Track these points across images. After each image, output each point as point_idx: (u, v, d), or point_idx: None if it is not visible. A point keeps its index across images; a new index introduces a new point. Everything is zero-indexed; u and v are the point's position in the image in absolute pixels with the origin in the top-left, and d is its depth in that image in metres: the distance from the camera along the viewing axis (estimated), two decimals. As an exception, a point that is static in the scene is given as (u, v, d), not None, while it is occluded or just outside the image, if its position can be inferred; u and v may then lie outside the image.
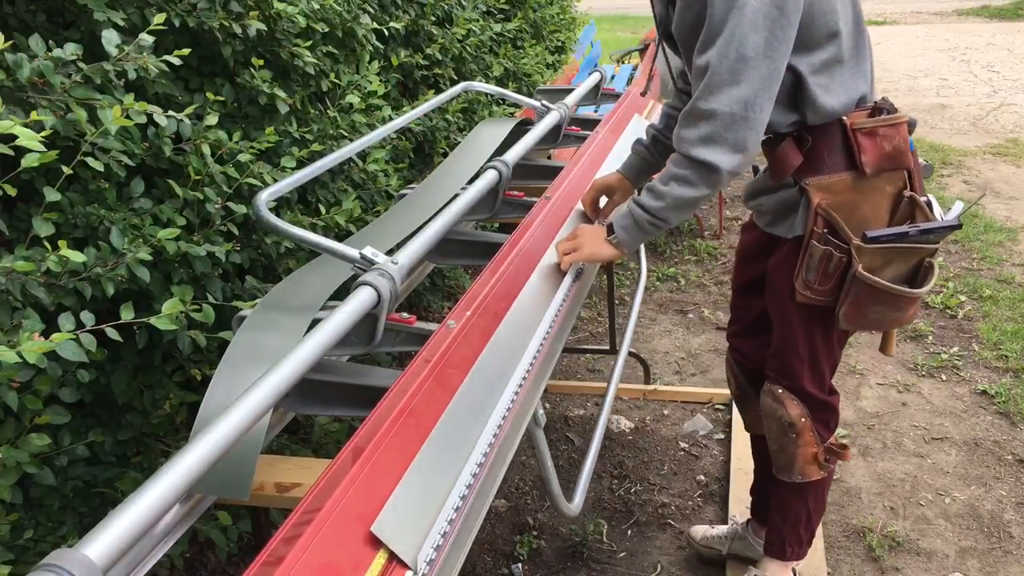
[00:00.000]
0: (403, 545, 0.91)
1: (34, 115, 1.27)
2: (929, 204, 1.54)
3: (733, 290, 1.96)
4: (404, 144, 2.72)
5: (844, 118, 1.49)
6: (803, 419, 1.70)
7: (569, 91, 2.73)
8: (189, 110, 1.58)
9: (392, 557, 0.91)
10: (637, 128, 2.43)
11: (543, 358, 1.41)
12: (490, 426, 1.16)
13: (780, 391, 1.71)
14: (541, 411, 1.36)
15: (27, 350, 1.13)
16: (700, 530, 2.20)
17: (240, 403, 0.99)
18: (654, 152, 1.84)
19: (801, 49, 1.43)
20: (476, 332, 1.31)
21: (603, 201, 1.87)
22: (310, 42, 2.04)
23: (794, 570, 1.93)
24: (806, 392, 1.70)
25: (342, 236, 2.00)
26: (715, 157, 1.40)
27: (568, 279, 1.62)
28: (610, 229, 1.57)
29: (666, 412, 2.91)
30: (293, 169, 1.87)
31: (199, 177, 1.68)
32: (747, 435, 2.60)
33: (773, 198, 1.61)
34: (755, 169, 1.77)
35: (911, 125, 1.55)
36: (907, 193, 1.53)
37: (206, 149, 1.69)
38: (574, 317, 1.64)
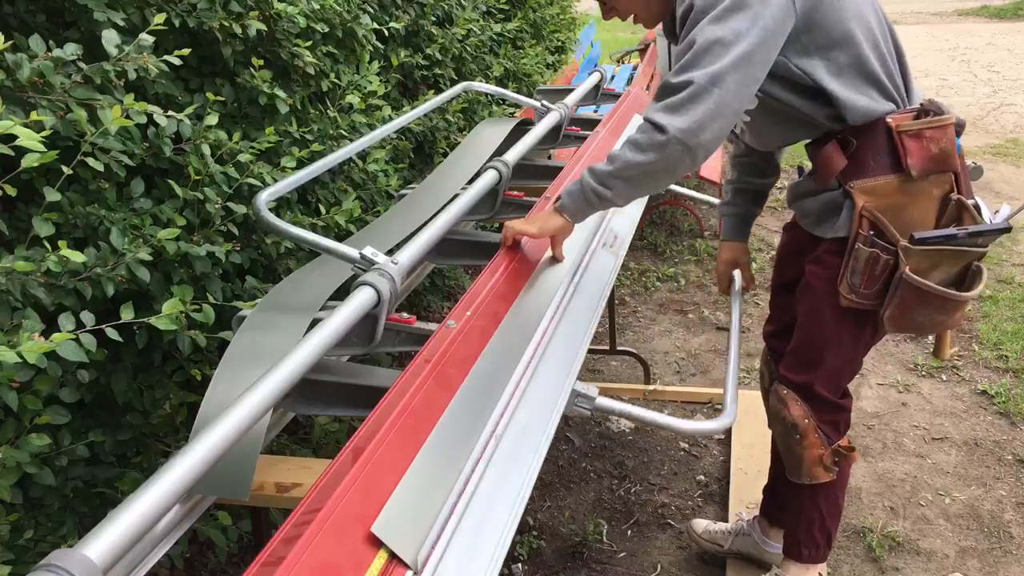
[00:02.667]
0: (403, 545, 0.91)
1: (34, 115, 1.27)
2: (977, 207, 1.51)
3: (772, 290, 1.96)
4: (404, 144, 2.71)
5: (888, 120, 1.48)
6: (806, 420, 1.69)
7: (569, 91, 2.73)
8: (189, 110, 1.58)
9: (392, 557, 0.91)
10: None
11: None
12: (490, 426, 1.16)
13: (784, 392, 1.71)
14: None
15: (27, 350, 1.13)
16: (702, 524, 2.20)
17: (240, 403, 0.99)
18: (741, 202, 1.95)
19: (813, 52, 1.43)
20: (476, 332, 1.31)
21: (736, 277, 2.00)
22: (310, 42, 2.04)
23: (820, 573, 1.91)
24: (814, 393, 1.69)
25: (342, 236, 2.00)
26: (665, 120, 1.36)
27: (567, 279, 1.62)
28: (557, 199, 1.55)
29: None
30: (293, 169, 1.87)
31: (199, 177, 1.68)
32: (748, 435, 2.61)
33: (817, 200, 1.60)
34: (799, 170, 1.77)
35: (959, 127, 1.54)
36: (954, 196, 1.50)
37: (206, 149, 1.68)
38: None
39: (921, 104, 1.52)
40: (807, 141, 1.60)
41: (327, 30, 2.13)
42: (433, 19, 2.99)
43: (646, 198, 2.13)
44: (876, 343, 1.72)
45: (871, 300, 1.55)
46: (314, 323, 1.35)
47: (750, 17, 1.35)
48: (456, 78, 3.15)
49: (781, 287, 1.89)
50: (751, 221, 1.99)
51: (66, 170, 1.35)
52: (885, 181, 1.49)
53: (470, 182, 1.96)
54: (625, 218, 1.99)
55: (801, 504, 1.83)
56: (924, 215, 1.51)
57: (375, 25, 2.42)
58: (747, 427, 2.62)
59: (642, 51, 4.89)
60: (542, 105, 2.45)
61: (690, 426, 1.42)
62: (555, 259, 1.62)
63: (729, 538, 2.12)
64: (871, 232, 1.50)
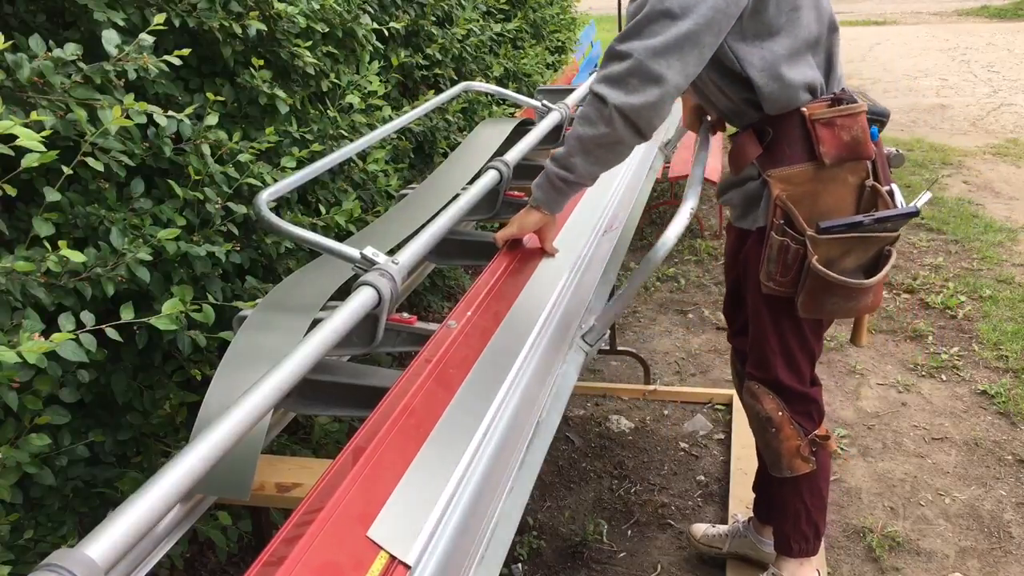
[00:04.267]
0: (402, 546, 0.91)
1: (34, 115, 1.27)
2: (891, 193, 1.54)
3: (725, 293, 1.97)
4: (404, 144, 2.71)
5: (803, 109, 1.49)
6: (780, 412, 1.70)
7: (569, 91, 2.72)
8: (189, 110, 1.58)
9: (394, 557, 0.90)
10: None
11: (543, 358, 1.40)
12: (486, 423, 1.16)
13: (756, 387, 1.73)
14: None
15: (27, 350, 1.13)
16: (700, 528, 2.20)
17: (240, 403, 0.99)
18: None
19: (751, 38, 1.43)
20: (477, 332, 1.31)
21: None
22: (310, 42, 2.04)
23: (819, 570, 1.92)
24: (782, 384, 1.70)
25: (342, 236, 2.00)
26: (606, 91, 1.36)
27: (564, 279, 1.61)
28: (529, 193, 1.56)
29: (666, 412, 2.91)
30: (293, 169, 1.87)
31: (199, 177, 1.68)
32: (747, 435, 2.61)
33: (740, 191, 1.62)
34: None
35: (882, 116, 1.56)
36: (869, 183, 1.53)
37: (206, 149, 1.68)
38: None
39: (835, 93, 1.53)
40: (734, 131, 1.62)
41: (327, 30, 2.13)
42: (433, 19, 2.99)
43: (647, 195, 2.12)
44: (827, 327, 1.74)
45: (788, 288, 1.57)
46: (314, 323, 1.35)
47: None
48: (456, 78, 3.15)
49: (731, 289, 1.91)
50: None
51: (66, 170, 1.35)
52: (800, 169, 1.51)
53: (471, 182, 1.96)
54: (625, 206, 1.99)
55: (786, 499, 1.85)
56: (840, 203, 1.52)
57: (375, 25, 2.42)
58: (747, 427, 2.61)
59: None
60: (543, 105, 2.44)
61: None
62: (549, 254, 1.62)
63: (727, 540, 2.13)
64: (782, 221, 1.52)
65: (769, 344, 1.68)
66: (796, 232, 1.51)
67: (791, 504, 1.84)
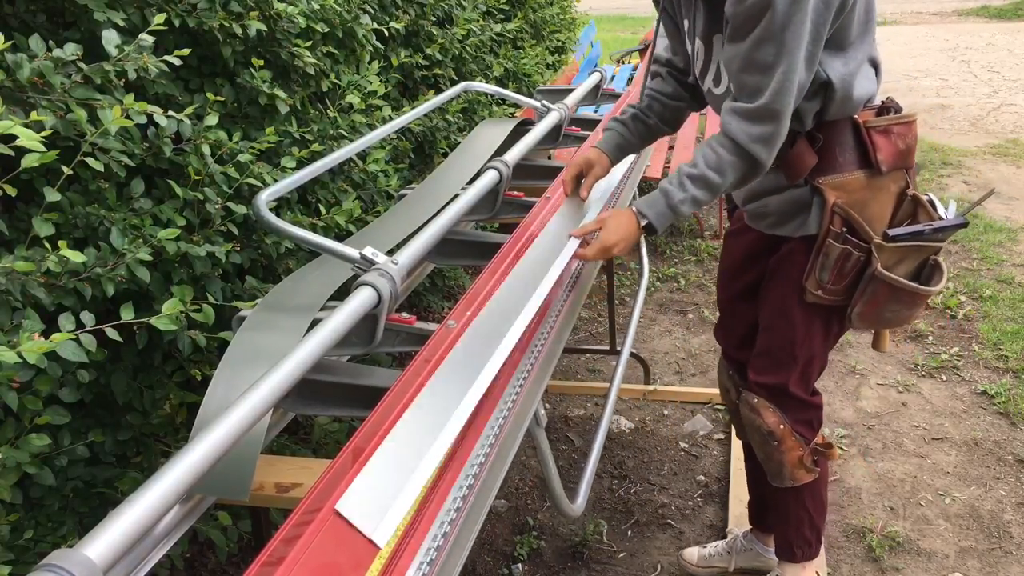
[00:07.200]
0: (369, 523, 0.90)
1: (34, 115, 1.27)
2: (932, 202, 1.54)
3: (723, 303, 1.91)
4: (404, 144, 2.71)
5: (856, 116, 1.48)
6: (781, 425, 1.69)
7: (569, 91, 2.73)
8: (189, 110, 1.58)
9: (393, 557, 0.91)
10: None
11: (543, 358, 1.40)
12: (490, 425, 1.16)
13: (755, 400, 1.70)
14: (542, 411, 1.35)
15: (27, 350, 1.13)
16: (694, 553, 2.14)
17: (240, 403, 0.99)
18: (633, 131, 1.77)
19: (835, 47, 1.41)
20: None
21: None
22: (310, 42, 2.04)
23: (817, 572, 1.91)
24: (789, 393, 1.69)
25: (342, 236, 2.00)
26: (764, 157, 1.41)
27: (552, 275, 1.60)
28: (642, 216, 1.49)
29: (666, 412, 2.91)
30: (293, 169, 1.86)
31: (199, 177, 1.68)
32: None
33: (781, 198, 1.58)
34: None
35: None
36: (910, 192, 1.53)
37: (206, 149, 1.68)
38: (574, 317, 1.64)
39: (883, 101, 1.53)
40: None
41: (327, 30, 2.13)
42: (433, 19, 2.99)
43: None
44: (839, 338, 1.74)
45: (838, 296, 1.56)
46: (314, 323, 1.35)
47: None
48: (456, 78, 3.15)
49: (733, 298, 1.85)
50: (629, 151, 1.81)
51: (66, 170, 1.35)
52: (853, 177, 1.50)
53: (470, 182, 1.96)
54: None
55: (788, 507, 1.83)
56: (883, 211, 1.52)
57: (375, 25, 2.42)
58: (747, 427, 2.61)
59: (642, 51, 4.89)
60: (542, 105, 2.44)
61: None
62: (573, 253, 1.57)
63: (730, 558, 2.10)
64: (843, 229, 1.51)
65: (794, 353, 1.65)
66: (860, 240, 1.50)
67: (793, 511, 1.83)
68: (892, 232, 1.49)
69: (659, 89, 1.76)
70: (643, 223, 1.49)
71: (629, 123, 1.78)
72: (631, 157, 1.97)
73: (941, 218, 1.54)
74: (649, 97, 1.77)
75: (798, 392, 1.69)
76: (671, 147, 4.42)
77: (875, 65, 1.50)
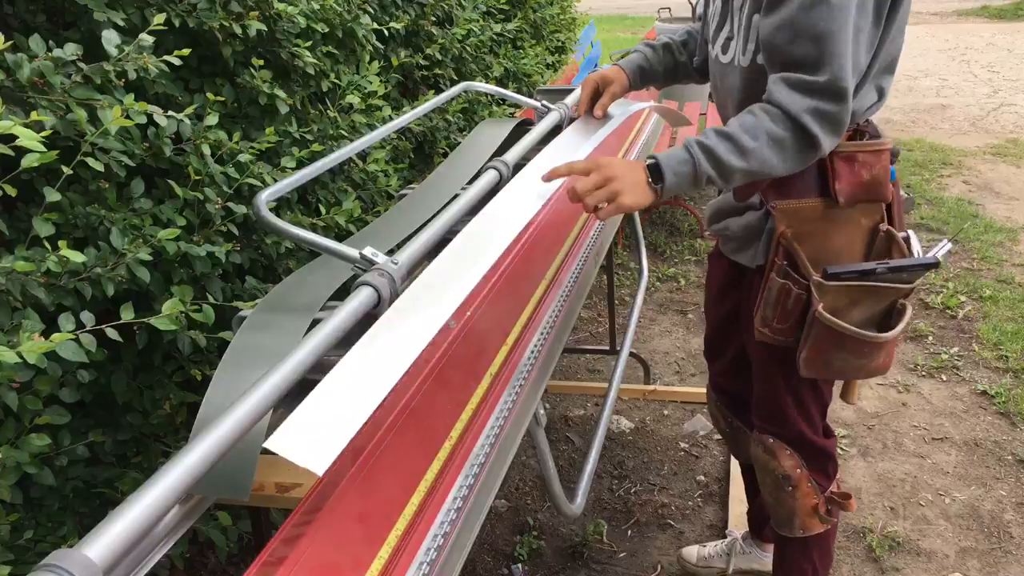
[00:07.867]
0: (307, 456, 0.88)
1: (34, 115, 1.27)
2: (907, 240, 1.37)
3: (710, 323, 1.78)
4: (404, 144, 2.72)
5: None
6: (798, 470, 1.56)
7: (569, 91, 2.72)
8: (189, 110, 1.58)
9: (393, 557, 0.91)
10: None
11: (543, 358, 1.41)
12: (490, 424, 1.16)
13: (771, 441, 1.57)
14: (542, 411, 1.36)
15: (27, 350, 1.13)
16: (693, 552, 2.13)
17: (240, 403, 0.99)
18: (660, 58, 1.61)
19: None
20: (476, 332, 1.31)
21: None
22: (310, 42, 2.04)
23: None
24: (804, 439, 1.55)
25: (342, 236, 2.00)
26: (819, 134, 1.20)
27: (556, 273, 1.61)
28: (655, 172, 1.25)
29: (666, 412, 2.91)
30: (293, 169, 1.87)
31: (199, 177, 1.68)
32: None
33: (740, 221, 1.45)
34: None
35: (894, 154, 1.38)
36: (883, 227, 1.36)
37: (206, 149, 1.68)
38: (574, 317, 1.64)
39: (858, 124, 1.34)
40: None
41: (327, 30, 2.13)
42: (433, 19, 2.99)
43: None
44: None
45: (786, 336, 1.40)
46: (314, 323, 1.35)
47: None
48: (456, 78, 3.15)
49: (718, 321, 1.72)
50: (651, 82, 1.68)
51: (66, 170, 1.35)
52: (808, 204, 1.33)
53: (470, 182, 1.96)
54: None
55: (793, 557, 1.70)
56: (850, 247, 1.35)
57: (375, 25, 2.42)
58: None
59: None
60: (542, 105, 2.44)
61: None
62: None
63: (729, 560, 2.09)
64: (784, 262, 1.35)
65: (781, 398, 1.51)
66: (800, 276, 1.34)
67: (797, 563, 1.70)
68: (831, 269, 1.31)
69: (699, 29, 1.63)
70: (658, 187, 1.26)
71: (659, 49, 1.63)
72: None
73: (911, 256, 1.35)
74: (688, 33, 1.63)
75: (812, 438, 1.56)
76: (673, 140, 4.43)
77: (881, 94, 1.38)
